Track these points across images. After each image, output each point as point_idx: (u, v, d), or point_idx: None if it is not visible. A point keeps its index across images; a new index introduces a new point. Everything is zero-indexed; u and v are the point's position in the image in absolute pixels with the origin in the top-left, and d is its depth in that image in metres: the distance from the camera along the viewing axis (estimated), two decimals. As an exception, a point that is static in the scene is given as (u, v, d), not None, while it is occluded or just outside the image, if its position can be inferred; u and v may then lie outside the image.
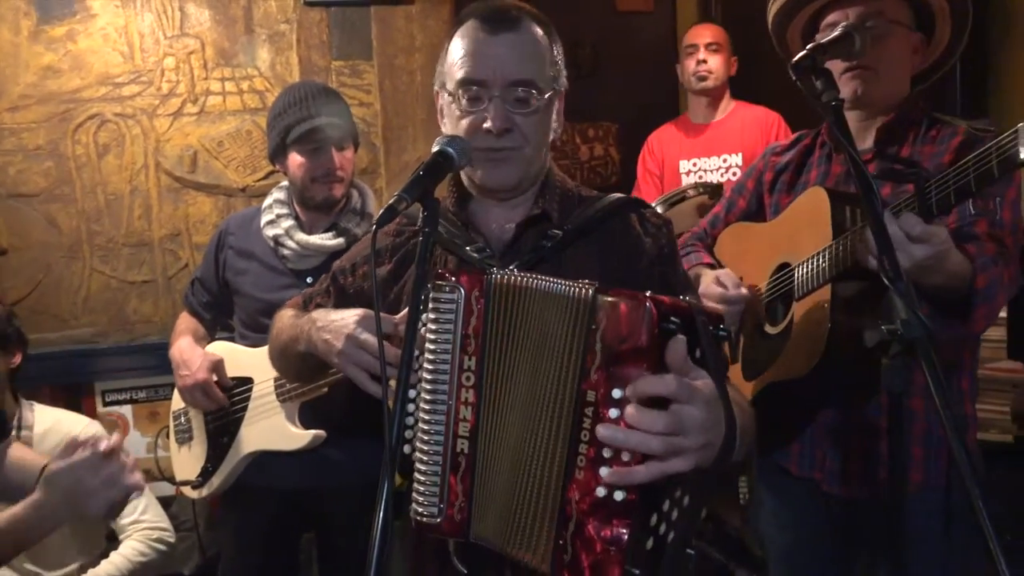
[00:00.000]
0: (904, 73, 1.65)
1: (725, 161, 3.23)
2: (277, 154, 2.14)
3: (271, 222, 2.17)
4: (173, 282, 3.14)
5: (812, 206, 1.59)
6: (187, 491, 2.25)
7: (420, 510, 1.14)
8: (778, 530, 1.77)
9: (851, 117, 1.62)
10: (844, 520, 1.64)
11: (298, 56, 3.18)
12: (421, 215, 1.12)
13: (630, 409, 0.96)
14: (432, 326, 1.14)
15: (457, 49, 1.30)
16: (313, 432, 2.03)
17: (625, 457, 0.98)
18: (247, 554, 2.20)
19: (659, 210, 2.71)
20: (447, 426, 1.13)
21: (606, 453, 0.98)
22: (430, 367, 1.14)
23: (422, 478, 1.13)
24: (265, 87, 3.15)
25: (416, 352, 1.15)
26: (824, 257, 1.51)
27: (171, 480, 2.34)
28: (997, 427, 3.04)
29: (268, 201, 2.22)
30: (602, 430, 0.97)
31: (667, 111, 4.06)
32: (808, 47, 1.29)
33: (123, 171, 3.08)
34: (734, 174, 3.20)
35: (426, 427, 1.14)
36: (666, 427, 0.95)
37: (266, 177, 3.15)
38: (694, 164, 3.29)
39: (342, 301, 1.50)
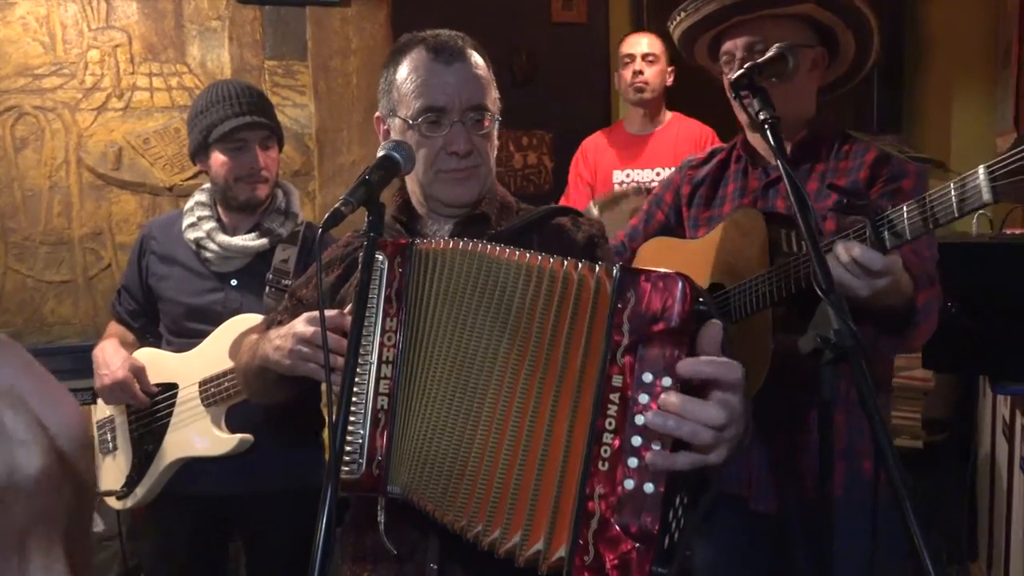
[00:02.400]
0: (801, 92, 1.66)
1: (659, 174, 3.24)
2: (199, 153, 2.10)
3: (192, 225, 2.12)
4: (94, 282, 3.03)
5: (746, 227, 1.59)
6: (111, 502, 2.17)
7: (344, 468, 1.15)
8: (705, 546, 1.76)
9: (760, 137, 1.65)
10: (771, 535, 1.66)
11: (230, 54, 3.11)
12: (366, 219, 1.13)
13: (674, 397, 0.90)
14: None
15: (409, 79, 1.37)
16: (240, 436, 1.99)
17: (655, 446, 0.91)
18: (171, 564, 2.13)
19: (594, 211, 2.72)
20: (369, 385, 1.15)
21: (636, 441, 0.91)
22: (355, 330, 1.15)
23: (349, 437, 1.15)
24: (195, 84, 3.07)
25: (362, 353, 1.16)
26: (766, 282, 1.50)
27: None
28: (908, 433, 3.19)
29: (190, 204, 2.17)
30: (652, 417, 0.90)
31: (600, 121, 4.13)
32: (746, 66, 1.34)
33: (42, 166, 2.96)
34: None
35: (357, 389, 1.16)
36: (719, 419, 0.90)
37: (194, 176, 3.06)
38: (627, 175, 3.30)
39: (296, 313, 1.51)
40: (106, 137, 3.01)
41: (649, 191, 2.85)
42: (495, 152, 1.46)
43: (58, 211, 2.99)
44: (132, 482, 2.11)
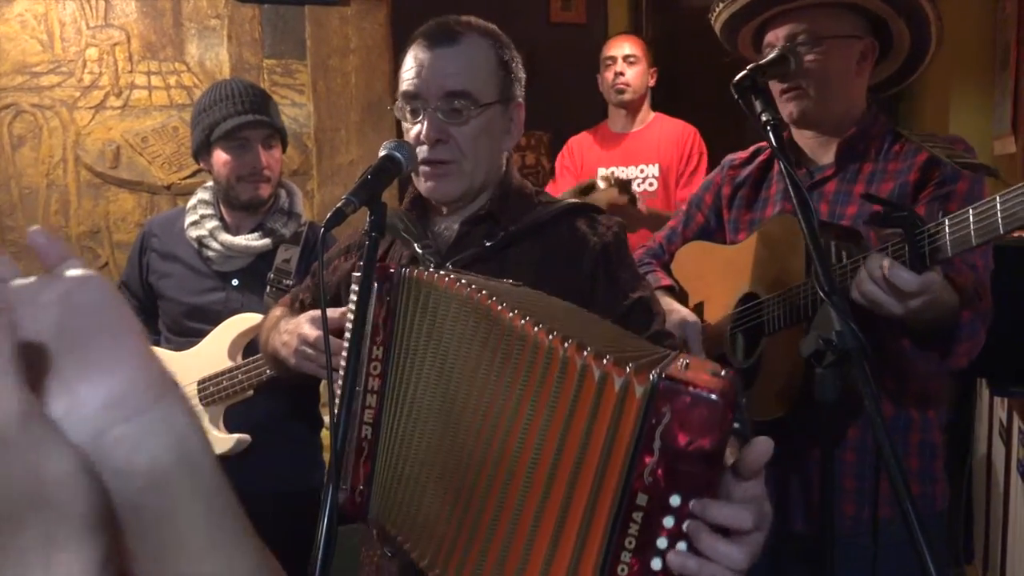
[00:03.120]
0: (848, 87, 1.57)
1: (643, 171, 3.30)
2: (201, 151, 2.09)
3: (195, 223, 2.12)
4: (91, 281, 3.02)
5: (784, 235, 1.51)
6: (107, 500, 2.17)
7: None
8: None
9: (806, 135, 1.62)
10: (805, 557, 1.55)
11: (229, 52, 3.11)
12: (368, 218, 1.13)
13: (707, 538, 0.82)
14: (352, 315, 1.16)
15: (404, 65, 1.35)
16: (237, 436, 1.99)
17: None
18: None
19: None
20: (355, 411, 1.14)
21: (655, 565, 0.83)
22: (345, 353, 1.15)
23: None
24: (194, 83, 3.07)
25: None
26: (803, 294, 1.41)
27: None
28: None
29: (192, 202, 2.16)
30: (674, 558, 0.82)
31: (598, 121, 4.13)
32: (748, 68, 1.33)
33: (39, 164, 2.95)
34: (651, 184, 3.27)
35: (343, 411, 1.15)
36: (743, 562, 0.83)
37: (192, 175, 3.06)
38: (611, 171, 3.34)
39: (316, 293, 1.56)
40: (104, 135, 3.00)
41: (625, 184, 2.87)
42: (499, 146, 1.38)
43: (55, 209, 2.98)
44: (130, 482, 2.10)
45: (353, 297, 1.15)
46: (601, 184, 2.82)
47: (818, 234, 1.14)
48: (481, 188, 1.38)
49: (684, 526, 0.82)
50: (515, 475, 0.93)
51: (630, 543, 0.83)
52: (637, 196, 2.86)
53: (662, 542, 0.83)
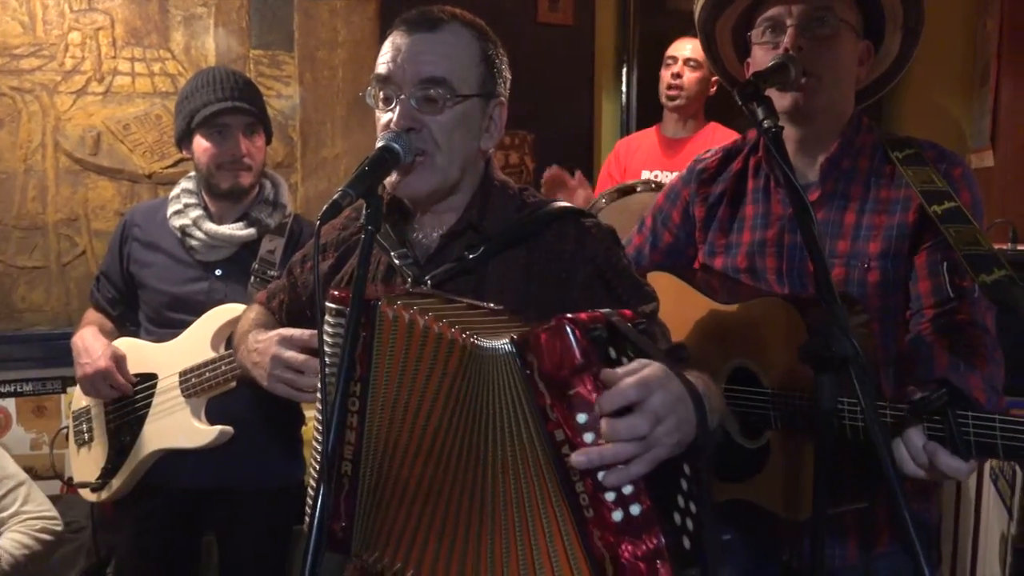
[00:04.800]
0: (849, 85, 1.49)
1: None
2: (183, 139, 2.07)
3: (178, 212, 2.09)
4: (68, 269, 2.97)
5: (781, 320, 1.37)
6: (86, 494, 2.13)
7: (309, 521, 1.13)
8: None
9: (791, 146, 1.49)
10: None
11: (215, 41, 3.07)
12: (364, 211, 1.11)
13: (604, 425, 0.94)
14: (327, 348, 1.14)
15: (382, 50, 1.28)
16: (219, 428, 1.97)
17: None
18: (143, 557, 2.10)
19: (604, 201, 2.66)
20: (334, 446, 1.11)
21: (600, 476, 0.94)
22: (321, 387, 1.14)
23: (312, 492, 1.13)
24: (178, 71, 3.03)
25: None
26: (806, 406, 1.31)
27: (67, 480, 2.21)
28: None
29: (176, 191, 2.14)
30: (576, 457, 0.94)
31: (584, 122, 4.14)
32: (751, 74, 1.32)
33: (17, 148, 2.89)
34: None
35: (317, 445, 1.16)
36: (644, 428, 0.94)
37: (174, 165, 3.02)
38: (655, 175, 3.24)
39: (293, 294, 1.52)
40: (85, 121, 2.95)
41: (658, 184, 2.74)
42: (475, 142, 1.29)
43: (33, 195, 2.92)
44: (108, 474, 2.08)
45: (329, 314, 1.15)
46: (640, 187, 2.73)
47: (817, 241, 1.13)
48: (454, 188, 1.29)
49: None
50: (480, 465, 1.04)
51: (575, 474, 0.95)
52: None
53: None
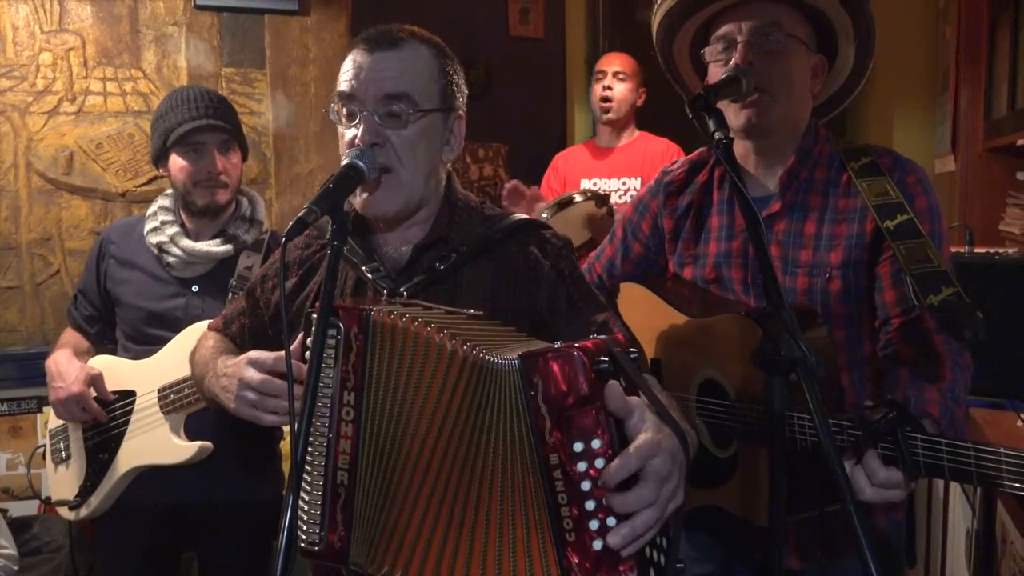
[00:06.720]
0: (802, 98, 1.50)
1: (624, 183, 3.37)
2: (159, 157, 2.09)
3: (155, 229, 2.10)
4: (42, 289, 2.97)
5: (743, 334, 1.40)
6: (64, 512, 2.12)
7: (303, 536, 1.14)
8: None
9: (750, 160, 1.55)
10: None
11: (187, 60, 3.09)
12: (330, 228, 1.12)
13: (616, 500, 0.95)
14: (314, 360, 1.13)
15: (343, 68, 1.30)
16: (199, 444, 1.97)
17: (611, 521, 0.97)
18: (122, 574, 2.10)
19: (545, 215, 2.75)
20: (327, 457, 1.13)
21: (589, 506, 0.96)
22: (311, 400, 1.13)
23: (305, 506, 1.14)
24: (150, 89, 3.04)
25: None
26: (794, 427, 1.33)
27: (45, 499, 2.20)
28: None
29: (152, 208, 2.15)
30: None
31: (555, 134, 4.20)
32: (702, 87, 1.34)
33: (-11, 169, 2.90)
34: (631, 196, 3.33)
35: (310, 457, 1.14)
36: (652, 496, 0.95)
37: (148, 183, 3.03)
38: (594, 183, 3.41)
39: (255, 315, 1.52)
40: (57, 141, 2.96)
41: (603, 198, 2.90)
42: (436, 156, 1.32)
43: (5, 215, 2.92)
44: (86, 492, 2.07)
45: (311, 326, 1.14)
46: (578, 197, 2.86)
47: (766, 249, 1.16)
48: (420, 203, 1.33)
49: (596, 463, 0.96)
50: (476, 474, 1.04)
51: (563, 499, 0.97)
52: (615, 208, 2.91)
53: (585, 485, 0.96)
